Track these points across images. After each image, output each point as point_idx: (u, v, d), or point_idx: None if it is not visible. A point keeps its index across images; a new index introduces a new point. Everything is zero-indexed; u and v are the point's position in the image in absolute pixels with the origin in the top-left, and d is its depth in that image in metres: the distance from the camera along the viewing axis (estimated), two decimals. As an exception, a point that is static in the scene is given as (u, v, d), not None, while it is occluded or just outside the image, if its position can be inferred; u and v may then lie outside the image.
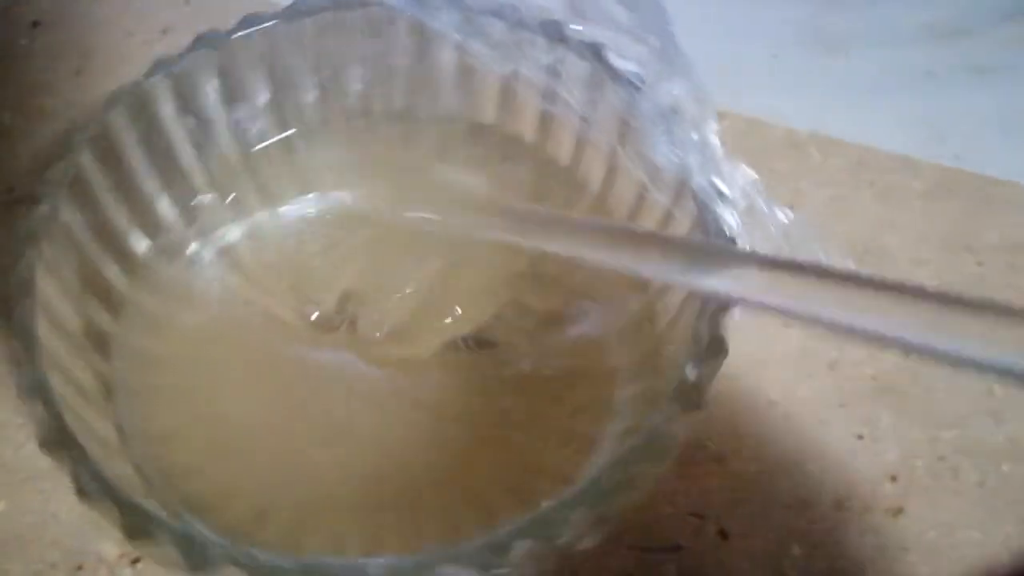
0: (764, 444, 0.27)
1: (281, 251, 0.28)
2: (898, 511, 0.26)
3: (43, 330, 0.22)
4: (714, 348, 0.21)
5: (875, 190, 0.31)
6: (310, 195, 0.28)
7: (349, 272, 0.27)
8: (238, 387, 0.26)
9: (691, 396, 0.20)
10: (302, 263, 0.27)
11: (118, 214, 0.25)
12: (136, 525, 0.19)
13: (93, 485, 0.19)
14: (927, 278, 0.30)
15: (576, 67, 0.25)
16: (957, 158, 0.32)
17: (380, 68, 0.28)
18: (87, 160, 0.24)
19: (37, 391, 0.20)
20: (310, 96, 0.28)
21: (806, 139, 0.33)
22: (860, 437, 0.27)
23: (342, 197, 0.28)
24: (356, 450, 0.25)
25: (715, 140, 0.23)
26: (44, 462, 0.21)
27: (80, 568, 0.25)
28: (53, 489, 0.26)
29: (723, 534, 0.25)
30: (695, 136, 0.23)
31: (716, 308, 0.21)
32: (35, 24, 0.35)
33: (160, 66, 0.26)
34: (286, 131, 0.28)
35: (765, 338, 0.28)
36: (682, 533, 0.25)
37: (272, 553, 0.19)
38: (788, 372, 0.28)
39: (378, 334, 0.25)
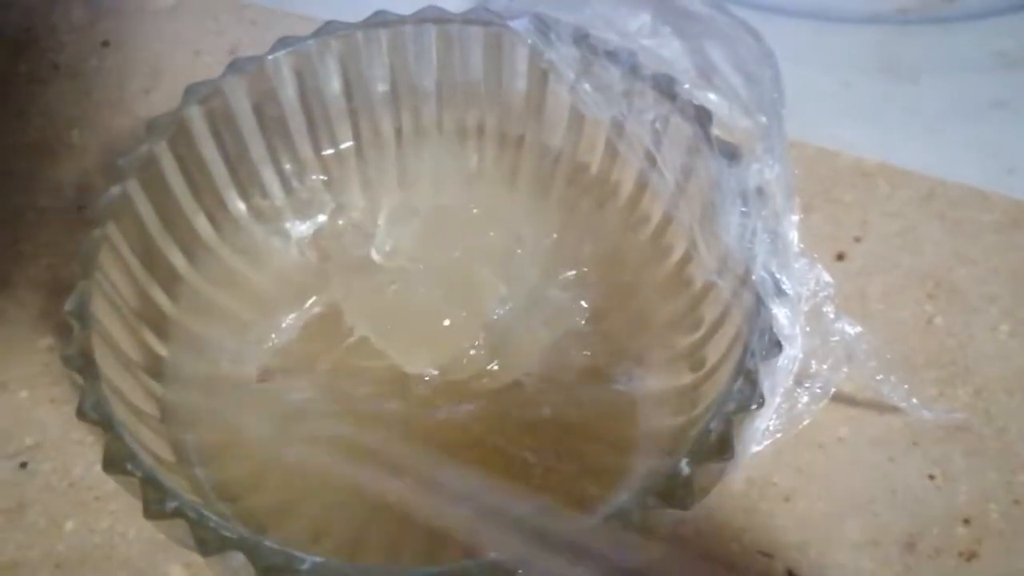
0: (832, 483, 0.26)
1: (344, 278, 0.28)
2: (971, 555, 0.25)
3: (101, 355, 0.22)
4: (744, 402, 0.21)
5: (945, 222, 0.31)
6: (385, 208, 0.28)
7: (411, 316, 0.27)
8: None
9: (717, 446, 0.20)
10: (365, 299, 0.27)
11: (166, 241, 0.26)
12: (207, 540, 0.19)
13: (164, 505, 0.20)
14: (997, 314, 0.29)
15: (679, 127, 0.24)
16: (1029, 190, 0.32)
17: (494, 87, 0.28)
18: (164, 156, 0.25)
19: (99, 413, 0.21)
20: (419, 104, 0.28)
21: (875, 169, 0.32)
22: (932, 478, 0.26)
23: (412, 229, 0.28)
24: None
25: (792, 234, 0.22)
26: (112, 482, 0.21)
27: (148, 590, 0.25)
28: (122, 509, 0.26)
29: (791, 574, 0.25)
30: (772, 225, 0.22)
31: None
32: (104, 44, 0.35)
33: (236, 66, 0.26)
34: (361, 138, 0.29)
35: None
36: (751, 572, 0.25)
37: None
38: (857, 409, 0.27)
39: (429, 378, 0.25)
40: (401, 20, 0.27)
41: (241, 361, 0.26)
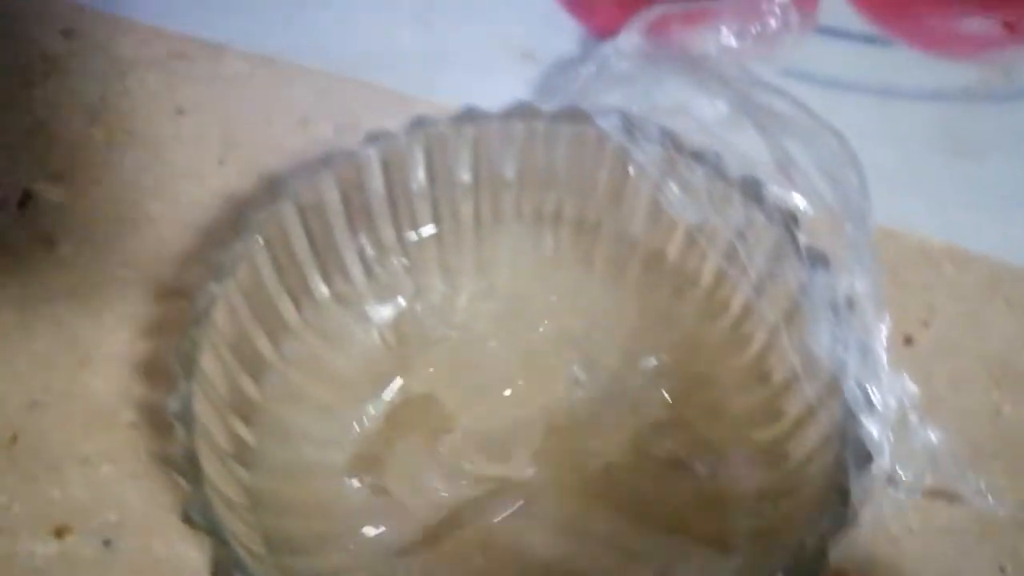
0: (903, 574, 0.27)
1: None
2: (1045, 653, 0.25)
3: (202, 453, 0.23)
4: (838, 519, 0.21)
5: (1012, 307, 0.31)
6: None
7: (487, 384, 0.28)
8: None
9: (811, 563, 0.20)
10: (443, 376, 0.28)
11: (255, 328, 0.26)
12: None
13: None
14: (1065, 401, 0.29)
15: (764, 231, 0.25)
16: (1096, 275, 0.32)
17: (577, 179, 0.28)
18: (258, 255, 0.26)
19: (206, 519, 0.22)
20: (499, 190, 0.29)
21: (939, 250, 0.32)
22: (1003, 570, 0.27)
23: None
24: (468, 551, 0.26)
25: (881, 347, 0.23)
26: (196, 561, 0.21)
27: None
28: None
29: (866, 669, 0.25)
30: (862, 338, 0.23)
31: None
32: (179, 111, 0.36)
33: (328, 161, 0.27)
34: (442, 223, 0.29)
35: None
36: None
37: None
38: (927, 500, 0.28)
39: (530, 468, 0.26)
40: (488, 117, 0.27)
41: (326, 447, 0.27)
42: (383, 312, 0.29)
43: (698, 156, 0.26)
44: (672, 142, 0.26)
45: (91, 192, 0.34)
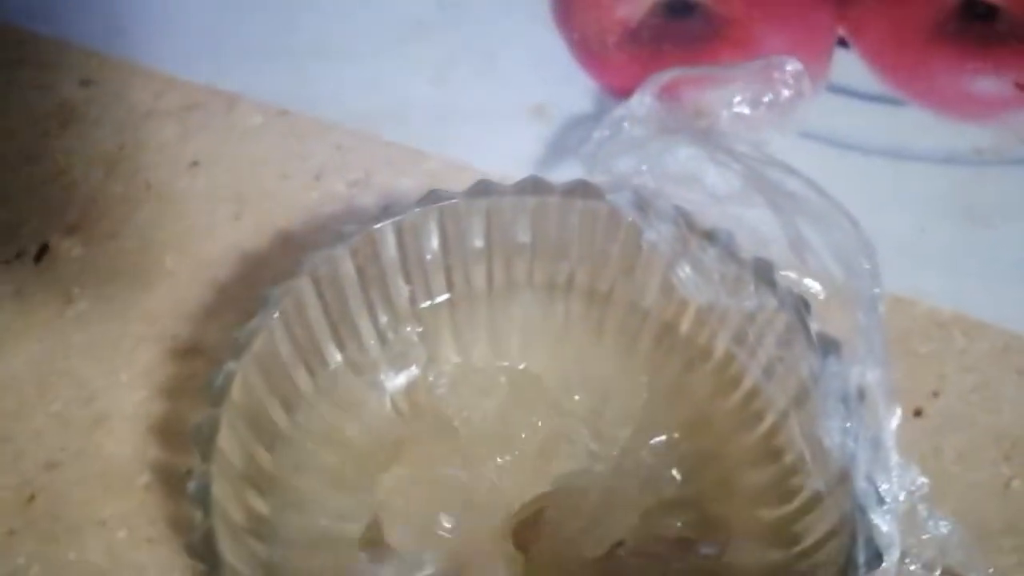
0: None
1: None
2: None
3: (219, 534, 0.23)
4: None
5: (1023, 379, 0.31)
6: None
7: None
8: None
9: None
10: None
11: (271, 400, 0.27)
12: None
13: None
14: (1073, 473, 0.30)
15: (775, 315, 0.25)
16: (1108, 346, 0.32)
17: (589, 250, 0.29)
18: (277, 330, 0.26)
19: None
20: (512, 257, 0.29)
21: (950, 320, 0.33)
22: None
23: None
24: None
25: (891, 440, 0.23)
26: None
27: None
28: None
29: None
30: (872, 430, 0.23)
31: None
32: (194, 164, 0.36)
33: (344, 236, 0.27)
34: (455, 291, 0.30)
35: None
36: None
37: None
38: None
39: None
40: (501, 191, 0.27)
41: (341, 519, 0.27)
42: (396, 381, 0.29)
43: (710, 236, 0.26)
44: (685, 220, 0.27)
45: (108, 246, 0.34)
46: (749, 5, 0.39)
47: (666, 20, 0.39)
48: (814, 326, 0.25)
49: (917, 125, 0.37)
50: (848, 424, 0.23)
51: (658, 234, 0.26)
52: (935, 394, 0.31)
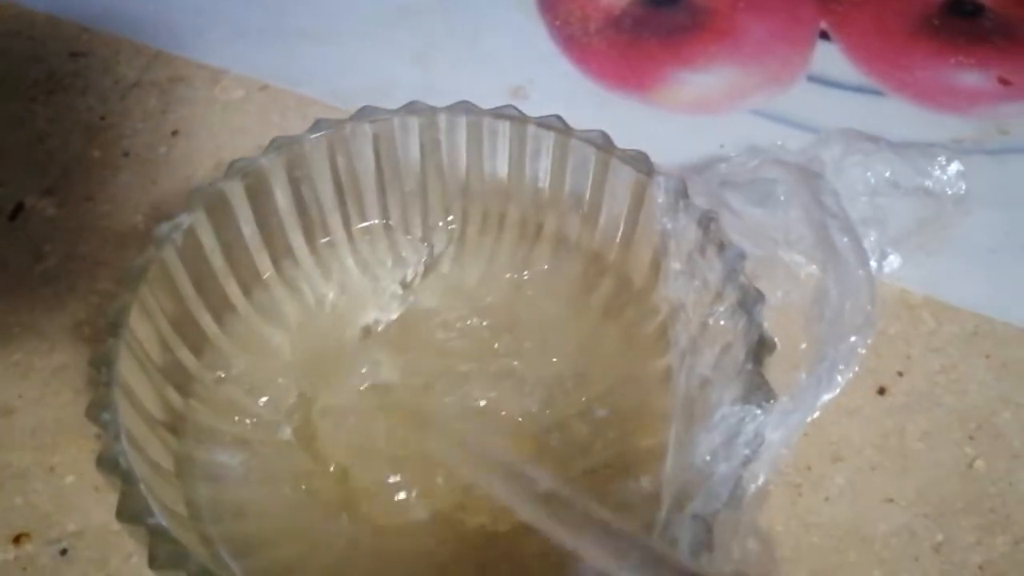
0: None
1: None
2: None
3: (123, 409, 0.23)
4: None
5: (990, 363, 0.31)
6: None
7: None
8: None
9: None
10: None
11: (197, 305, 0.27)
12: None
13: (169, 558, 0.21)
14: (1041, 460, 0.29)
15: (737, 349, 0.25)
16: (1079, 333, 0.31)
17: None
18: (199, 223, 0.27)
19: (116, 468, 0.22)
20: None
21: (920, 302, 0.32)
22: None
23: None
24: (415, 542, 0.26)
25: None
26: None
27: None
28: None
29: None
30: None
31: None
32: (174, 133, 0.37)
33: (276, 144, 0.28)
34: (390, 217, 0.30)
35: (869, 514, 0.28)
36: None
37: None
38: (892, 552, 0.27)
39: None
40: (433, 110, 0.28)
41: (261, 422, 0.27)
42: (329, 295, 0.29)
43: (721, 249, 0.26)
44: (707, 225, 0.26)
45: (82, 207, 0.35)
46: (733, -4, 0.39)
47: (649, 9, 0.40)
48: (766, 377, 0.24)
49: (897, 115, 0.37)
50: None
51: (677, 225, 0.26)
52: (900, 374, 0.31)
